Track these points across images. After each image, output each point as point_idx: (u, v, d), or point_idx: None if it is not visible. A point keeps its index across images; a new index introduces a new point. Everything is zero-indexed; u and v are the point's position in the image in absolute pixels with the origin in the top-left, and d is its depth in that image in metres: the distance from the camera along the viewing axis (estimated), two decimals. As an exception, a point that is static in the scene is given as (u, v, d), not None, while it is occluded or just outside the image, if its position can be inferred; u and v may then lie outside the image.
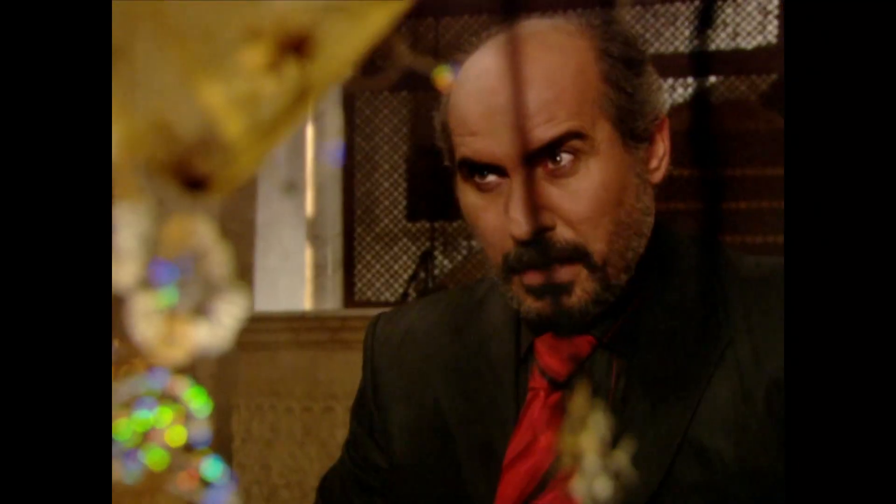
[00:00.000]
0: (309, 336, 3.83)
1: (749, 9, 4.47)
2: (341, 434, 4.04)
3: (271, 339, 3.74)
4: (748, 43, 4.48)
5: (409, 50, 0.40)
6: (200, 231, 0.40)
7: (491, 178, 1.13)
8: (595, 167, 1.11)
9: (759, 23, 4.48)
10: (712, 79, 4.53)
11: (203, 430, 0.40)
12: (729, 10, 4.50)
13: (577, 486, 0.39)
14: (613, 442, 0.41)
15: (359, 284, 4.38)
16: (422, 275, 4.68)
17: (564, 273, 1.12)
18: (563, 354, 1.18)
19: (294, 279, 4.08)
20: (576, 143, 1.10)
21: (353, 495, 1.35)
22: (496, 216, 1.13)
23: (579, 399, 0.40)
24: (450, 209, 4.51)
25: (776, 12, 4.42)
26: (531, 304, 1.14)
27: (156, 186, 0.40)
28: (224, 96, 0.38)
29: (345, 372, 3.99)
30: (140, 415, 0.40)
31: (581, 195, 1.11)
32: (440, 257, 4.63)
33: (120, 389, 0.40)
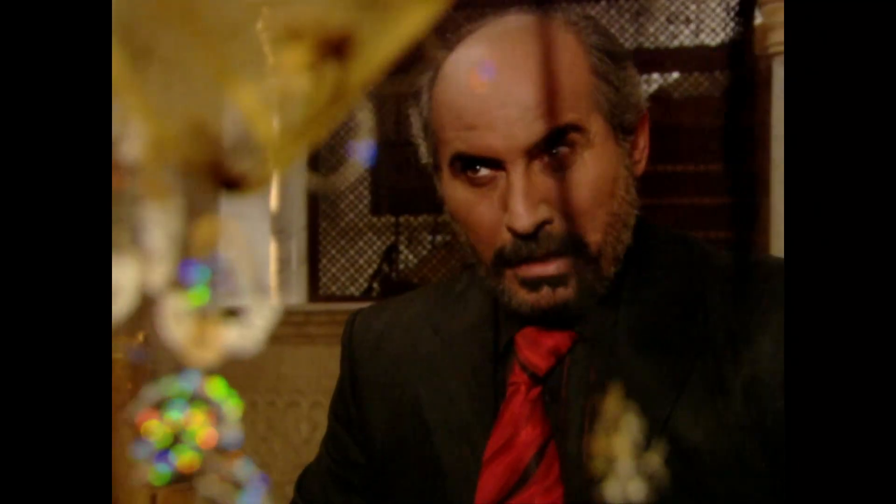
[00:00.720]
0: (273, 330, 3.80)
1: (712, 5, 4.50)
2: (306, 429, 4.03)
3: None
4: (712, 39, 4.51)
5: (439, 47, 0.40)
6: (230, 231, 0.40)
7: (484, 172, 1.12)
8: (590, 159, 1.12)
9: (722, 19, 4.52)
10: (675, 75, 4.56)
11: (235, 432, 0.40)
12: (693, 7, 4.52)
13: (611, 489, 0.39)
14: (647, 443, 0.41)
15: (323, 279, 4.36)
16: (385, 268, 4.68)
17: (561, 264, 1.12)
18: (544, 349, 1.18)
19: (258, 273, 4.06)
20: (574, 135, 1.11)
21: (332, 493, 1.34)
22: (489, 210, 1.13)
23: (612, 401, 0.40)
24: (414, 204, 4.51)
25: (738, 9, 4.45)
26: (524, 297, 1.14)
27: (186, 186, 0.40)
28: (259, 97, 0.38)
29: (309, 366, 3.98)
30: (171, 416, 0.39)
31: (578, 187, 1.11)
32: (405, 252, 4.63)
33: (150, 390, 0.39)
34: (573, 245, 1.12)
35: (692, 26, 4.54)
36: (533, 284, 1.13)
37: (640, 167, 1.21)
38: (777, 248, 3.95)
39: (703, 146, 4.23)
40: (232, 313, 0.40)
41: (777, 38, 4.02)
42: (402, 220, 4.62)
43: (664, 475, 0.40)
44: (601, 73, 1.14)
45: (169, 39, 0.39)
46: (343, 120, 0.39)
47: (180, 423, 0.40)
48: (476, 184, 1.13)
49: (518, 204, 1.09)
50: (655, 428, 1.12)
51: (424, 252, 4.69)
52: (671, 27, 4.49)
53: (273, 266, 4.14)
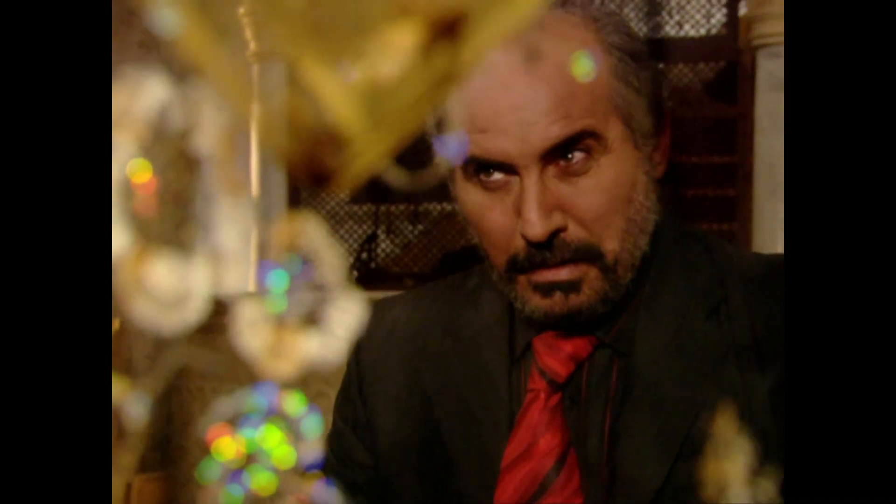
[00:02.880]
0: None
1: (697, -4, 4.48)
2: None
3: (214, 322, 3.67)
4: (696, 31, 4.49)
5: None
6: (311, 232, 0.36)
7: (497, 176, 1.09)
8: (607, 165, 1.08)
9: (707, 11, 4.50)
10: (659, 66, 4.55)
11: (314, 452, 0.36)
12: (677, -2, 4.50)
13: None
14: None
15: (303, 267, 4.32)
16: (365, 257, 4.64)
17: (573, 269, 1.09)
18: (563, 354, 1.15)
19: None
20: (590, 141, 1.07)
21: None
22: (503, 216, 1.09)
23: (724, 421, 0.37)
24: (394, 192, 4.48)
25: (724, 1, 4.43)
26: (538, 303, 1.11)
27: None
28: (352, 84, 0.34)
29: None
30: (245, 433, 0.36)
31: (593, 194, 1.08)
32: (384, 240, 4.60)
33: (223, 405, 0.36)
34: (588, 253, 1.09)
35: (676, 17, 4.53)
36: (545, 290, 1.10)
37: (661, 170, 1.17)
38: (759, 239, 3.94)
39: (687, 137, 4.22)
40: (311, 321, 0.36)
41: (761, 29, 4.01)
42: (381, 208, 4.58)
43: None
44: (621, 75, 1.10)
45: (250, 19, 0.35)
46: (438, 109, 0.36)
47: (255, 442, 0.36)
48: (489, 188, 1.09)
49: (531, 211, 1.05)
50: (678, 435, 1.09)
51: (404, 241, 4.66)
52: (655, 18, 4.47)
53: (253, 254, 4.09)
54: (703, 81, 4.47)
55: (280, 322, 0.36)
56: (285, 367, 0.36)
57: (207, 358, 0.37)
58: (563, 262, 1.09)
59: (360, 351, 1.30)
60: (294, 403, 0.36)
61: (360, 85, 0.35)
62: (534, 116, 1.05)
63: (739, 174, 4.15)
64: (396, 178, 0.37)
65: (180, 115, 0.35)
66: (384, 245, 4.59)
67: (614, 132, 1.08)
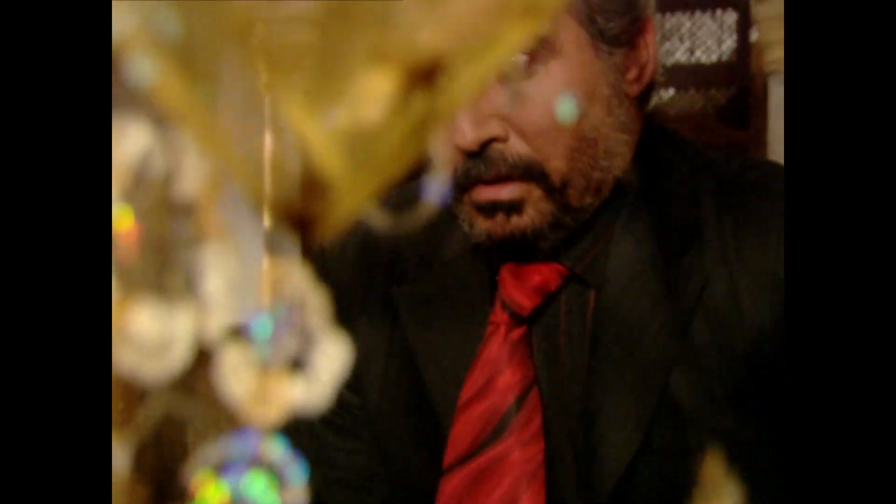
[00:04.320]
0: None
1: (708, 22, 4.49)
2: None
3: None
4: (707, 57, 4.49)
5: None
6: (296, 276, 0.36)
7: None
8: (556, 71, 0.98)
9: (718, 37, 4.50)
10: (671, 92, 4.55)
11: (299, 500, 0.36)
12: (688, 24, 4.51)
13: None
14: None
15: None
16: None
17: (514, 189, 1.00)
18: (528, 286, 1.06)
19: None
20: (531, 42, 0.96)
21: (327, 436, 1.19)
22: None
23: (713, 466, 0.36)
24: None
25: (735, 27, 4.44)
26: (481, 224, 1.03)
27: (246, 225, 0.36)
28: (333, 128, 0.34)
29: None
30: (229, 480, 0.35)
31: (536, 102, 0.98)
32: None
33: (207, 452, 0.35)
34: (530, 171, 0.99)
35: (687, 43, 4.53)
36: (487, 210, 1.01)
37: (640, 86, 1.05)
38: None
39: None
40: (296, 366, 0.36)
41: (773, 55, 4.01)
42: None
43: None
44: None
45: (232, 64, 0.35)
46: (419, 154, 0.36)
47: (239, 489, 0.36)
48: None
49: (461, 116, 0.96)
50: (654, 391, 1.01)
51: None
52: (667, 44, 4.47)
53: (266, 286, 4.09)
54: (715, 107, 4.47)
55: (264, 368, 0.36)
56: (270, 413, 0.36)
57: (190, 406, 0.37)
58: (500, 179, 1.00)
59: (330, 272, 1.16)
60: (278, 450, 0.36)
61: (342, 129, 0.35)
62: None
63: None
64: (380, 221, 0.37)
65: (162, 160, 0.35)
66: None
67: (566, 34, 0.99)
